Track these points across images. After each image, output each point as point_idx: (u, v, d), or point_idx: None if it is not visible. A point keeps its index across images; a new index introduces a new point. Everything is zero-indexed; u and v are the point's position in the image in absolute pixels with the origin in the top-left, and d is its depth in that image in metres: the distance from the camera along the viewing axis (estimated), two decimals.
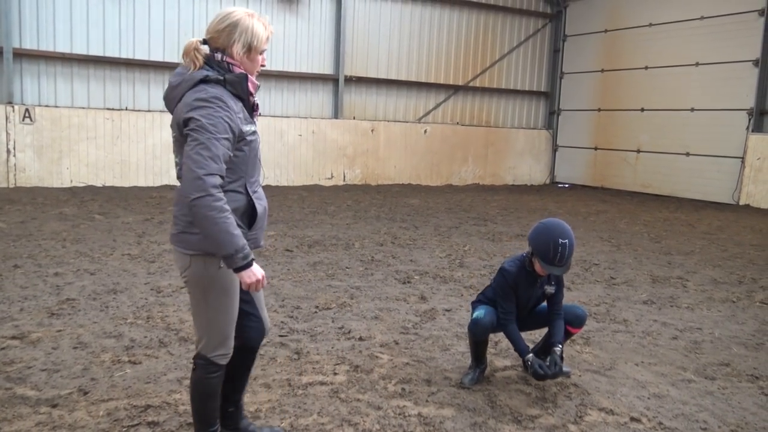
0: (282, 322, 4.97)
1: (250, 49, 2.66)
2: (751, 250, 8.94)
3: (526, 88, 18.60)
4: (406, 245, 8.30)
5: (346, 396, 3.66)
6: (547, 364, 3.67)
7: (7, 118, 11.99)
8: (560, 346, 3.77)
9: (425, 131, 16.81)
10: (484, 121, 18.03)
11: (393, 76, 16.42)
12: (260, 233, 2.82)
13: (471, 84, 17.57)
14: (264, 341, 4.44)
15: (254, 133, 2.71)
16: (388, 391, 3.75)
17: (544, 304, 4.01)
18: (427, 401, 3.65)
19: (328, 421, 3.35)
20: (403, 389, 3.79)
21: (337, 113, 15.68)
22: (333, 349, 4.41)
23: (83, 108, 12.79)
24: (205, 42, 2.66)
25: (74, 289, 5.58)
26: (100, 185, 12.64)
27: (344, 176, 15.68)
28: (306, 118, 15.27)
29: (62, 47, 12.68)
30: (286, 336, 4.65)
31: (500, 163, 18.11)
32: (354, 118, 15.93)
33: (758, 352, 4.79)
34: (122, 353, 4.17)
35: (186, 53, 2.62)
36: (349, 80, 15.73)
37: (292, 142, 14.97)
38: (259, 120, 2.90)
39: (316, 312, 5.27)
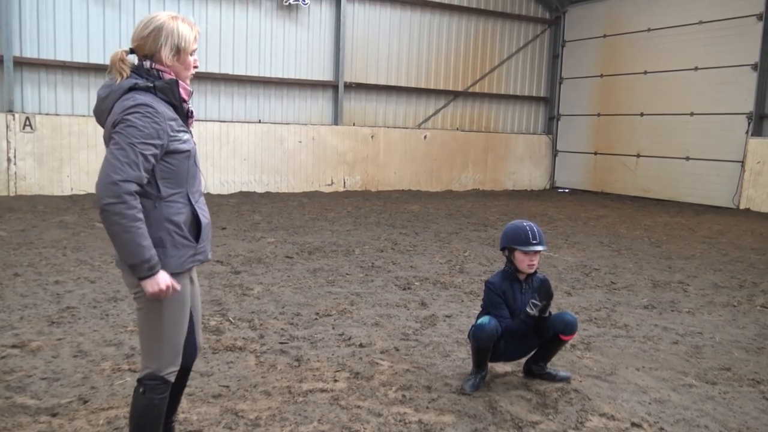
0: (282, 329, 4.96)
1: (179, 51, 2.61)
2: (751, 254, 8.93)
3: (526, 94, 18.63)
4: (406, 251, 8.30)
5: (347, 403, 3.65)
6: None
7: (7, 127, 12.02)
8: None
9: (425, 137, 16.82)
10: (484, 126, 18.05)
11: (392, 82, 16.45)
12: (207, 245, 2.77)
13: (470, 90, 17.60)
14: (264, 348, 4.48)
15: (189, 141, 2.64)
16: (389, 398, 3.74)
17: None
18: (427, 408, 3.64)
19: (328, 428, 3.34)
20: (403, 396, 3.78)
21: (336, 119, 15.71)
22: (333, 356, 4.41)
23: (84, 116, 12.81)
24: (132, 51, 2.61)
25: (74, 298, 5.58)
26: None
27: (344, 182, 15.69)
28: (306, 124, 15.29)
29: (63, 55, 12.72)
30: (287, 343, 4.64)
31: (500, 168, 18.12)
32: (354, 125, 15.96)
33: (759, 356, 4.77)
34: (122, 361, 4.17)
35: (111, 65, 2.56)
36: (348, 86, 15.77)
37: (292, 149, 14.99)
38: (194, 127, 2.84)
39: (316, 319, 5.27)
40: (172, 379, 2.74)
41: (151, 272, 2.46)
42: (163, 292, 2.50)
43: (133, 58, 2.61)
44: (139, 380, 2.73)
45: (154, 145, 2.46)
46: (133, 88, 2.50)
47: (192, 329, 2.88)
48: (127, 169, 2.38)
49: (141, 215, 2.41)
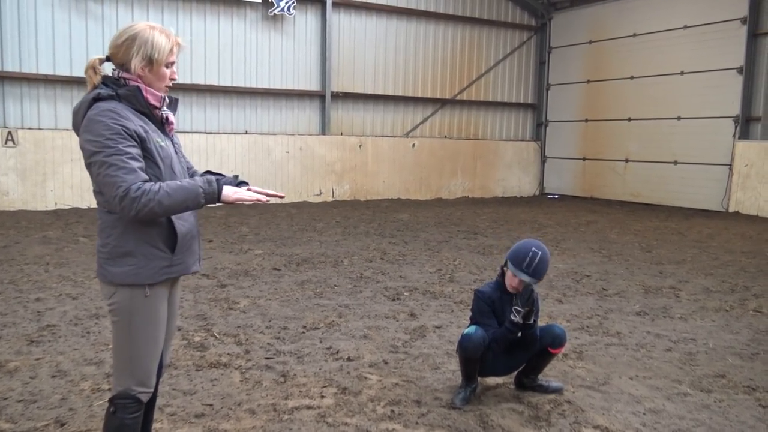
0: (269, 343, 4.85)
1: (152, 62, 2.52)
2: (742, 258, 8.90)
3: (513, 101, 18.64)
4: (395, 261, 8.20)
5: (334, 420, 3.54)
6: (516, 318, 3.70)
7: None
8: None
9: (413, 145, 16.77)
10: (472, 134, 18.03)
11: (380, 91, 16.40)
12: (189, 257, 2.67)
13: (458, 97, 17.58)
14: (249, 364, 4.36)
15: (164, 147, 2.58)
16: (377, 414, 3.64)
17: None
18: (417, 423, 3.54)
19: None
20: (392, 411, 3.67)
21: (324, 129, 15.63)
22: (320, 371, 4.30)
23: (67, 130, 12.65)
24: (109, 59, 2.56)
25: (55, 315, 5.44)
26: (85, 207, 12.48)
27: (333, 192, 15.60)
28: (293, 134, 15.21)
29: (45, 69, 12.59)
30: (272, 358, 4.53)
31: (489, 175, 18.09)
32: (341, 134, 15.88)
33: (753, 362, 4.71)
34: (102, 381, 4.04)
35: (85, 71, 2.55)
36: (335, 96, 15.70)
37: (280, 159, 14.89)
38: (175, 135, 2.78)
39: (303, 332, 5.16)
40: (145, 399, 2.64)
41: (213, 194, 2.50)
42: (240, 199, 2.55)
43: (107, 66, 2.57)
44: (110, 399, 2.64)
45: (130, 144, 2.43)
46: (96, 99, 2.47)
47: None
48: (124, 176, 2.38)
49: (157, 183, 2.42)
